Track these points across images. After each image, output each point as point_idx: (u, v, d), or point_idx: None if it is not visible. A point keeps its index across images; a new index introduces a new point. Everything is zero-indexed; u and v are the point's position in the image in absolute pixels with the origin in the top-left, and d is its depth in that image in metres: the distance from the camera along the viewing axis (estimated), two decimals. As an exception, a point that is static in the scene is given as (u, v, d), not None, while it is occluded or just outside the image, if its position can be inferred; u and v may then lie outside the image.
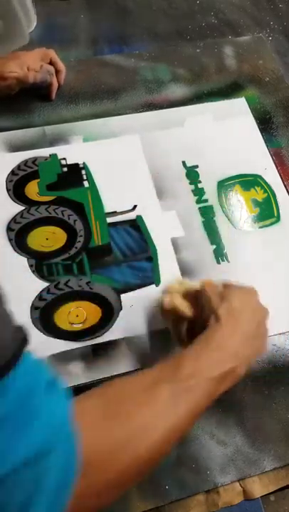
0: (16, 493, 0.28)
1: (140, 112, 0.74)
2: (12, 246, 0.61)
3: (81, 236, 0.63)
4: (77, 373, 0.54)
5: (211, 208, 0.67)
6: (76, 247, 0.62)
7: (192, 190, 0.68)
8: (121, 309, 0.59)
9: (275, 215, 0.68)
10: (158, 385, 0.38)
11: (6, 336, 0.30)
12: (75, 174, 0.67)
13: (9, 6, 0.28)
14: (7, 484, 0.27)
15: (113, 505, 0.49)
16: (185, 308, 0.50)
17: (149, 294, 0.60)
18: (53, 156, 0.68)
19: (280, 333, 0.60)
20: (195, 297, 0.50)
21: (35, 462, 0.28)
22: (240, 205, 0.68)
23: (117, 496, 0.34)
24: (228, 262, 0.63)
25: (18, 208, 0.63)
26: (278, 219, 0.68)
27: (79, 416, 0.32)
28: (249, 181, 0.70)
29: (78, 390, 0.53)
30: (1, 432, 0.28)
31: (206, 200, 0.68)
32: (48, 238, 0.62)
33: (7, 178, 0.65)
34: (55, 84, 0.72)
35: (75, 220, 0.63)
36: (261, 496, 0.53)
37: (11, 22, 0.31)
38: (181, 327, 0.51)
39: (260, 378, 0.57)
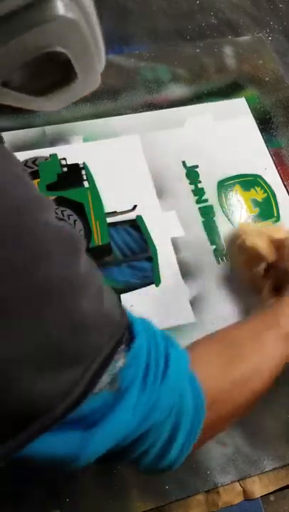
0: (163, 432, 0.33)
1: (140, 112, 0.74)
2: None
3: (81, 236, 0.63)
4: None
5: (211, 207, 0.67)
6: (76, 247, 0.62)
7: (192, 190, 0.68)
8: (121, 309, 0.59)
9: (275, 215, 0.68)
10: (264, 331, 0.43)
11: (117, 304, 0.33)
12: (75, 174, 0.67)
13: (85, 43, 0.28)
14: (155, 429, 0.33)
15: (113, 505, 0.49)
16: (268, 251, 0.51)
17: (149, 293, 0.60)
18: (53, 156, 0.68)
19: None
20: (278, 244, 0.52)
21: (178, 405, 0.33)
22: (240, 205, 0.68)
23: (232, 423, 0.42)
24: (228, 261, 0.63)
25: (18, 207, 0.63)
26: (278, 219, 0.68)
27: (198, 362, 0.37)
28: (249, 181, 0.70)
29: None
30: (145, 388, 0.31)
31: (206, 200, 0.68)
32: (48, 238, 0.62)
33: (7, 178, 0.65)
34: None
35: (75, 220, 0.63)
36: (261, 496, 0.53)
37: (86, 63, 0.31)
38: (258, 269, 0.53)
39: (260, 378, 0.56)
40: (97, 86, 0.32)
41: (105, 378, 0.30)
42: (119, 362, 0.30)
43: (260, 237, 0.53)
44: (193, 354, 0.37)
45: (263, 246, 0.52)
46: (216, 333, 0.43)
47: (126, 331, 0.32)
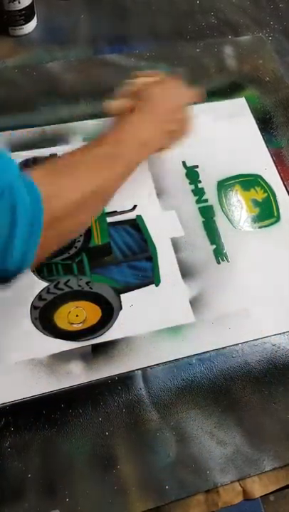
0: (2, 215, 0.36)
1: (140, 111, 0.74)
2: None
3: (81, 236, 0.63)
4: (77, 373, 0.54)
5: (211, 207, 0.67)
6: (76, 247, 0.62)
7: (192, 190, 0.68)
8: (121, 309, 0.59)
9: (275, 215, 0.68)
10: (82, 155, 0.48)
11: None
12: (75, 174, 0.67)
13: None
14: None
15: (113, 505, 0.49)
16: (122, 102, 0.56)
17: (148, 293, 0.60)
18: (53, 155, 0.68)
19: (280, 333, 0.60)
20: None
21: (9, 188, 0.36)
22: (240, 205, 0.68)
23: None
24: (228, 261, 0.63)
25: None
26: (278, 219, 0.68)
27: (41, 179, 0.40)
28: (249, 181, 0.70)
29: (78, 390, 0.54)
30: None
31: (206, 200, 0.68)
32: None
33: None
34: None
35: (75, 220, 0.63)
36: (261, 496, 0.53)
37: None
38: None
39: (260, 378, 0.57)
40: None
41: None
42: None
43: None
44: (34, 172, 0.41)
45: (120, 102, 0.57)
46: (56, 159, 0.49)
47: None
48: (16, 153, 0.67)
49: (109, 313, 0.58)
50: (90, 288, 0.59)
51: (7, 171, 0.38)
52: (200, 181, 0.69)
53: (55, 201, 0.41)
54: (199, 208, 0.67)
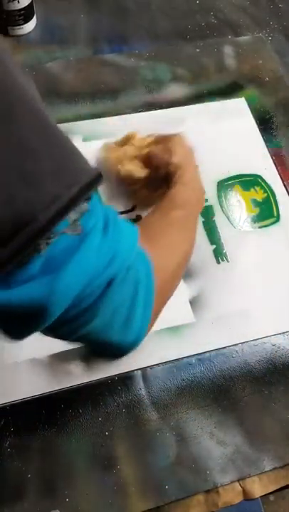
0: (125, 291, 0.35)
1: (140, 111, 0.74)
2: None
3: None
4: (77, 373, 0.54)
5: (210, 207, 0.67)
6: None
7: (192, 190, 0.68)
8: (121, 309, 0.58)
9: (275, 215, 0.68)
10: (171, 212, 0.49)
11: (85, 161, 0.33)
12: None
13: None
14: (121, 282, 0.34)
15: (113, 505, 0.49)
16: (140, 171, 0.54)
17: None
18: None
19: (280, 333, 0.60)
20: (146, 159, 0.54)
21: (134, 266, 0.36)
22: (239, 205, 0.68)
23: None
24: (228, 261, 0.63)
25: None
26: (278, 219, 0.68)
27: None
28: (249, 181, 0.70)
29: (78, 390, 0.54)
30: (106, 235, 0.33)
31: (206, 200, 0.68)
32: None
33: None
34: None
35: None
36: (261, 496, 0.53)
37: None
38: (137, 186, 0.55)
39: (260, 378, 0.57)
40: None
41: (76, 211, 0.31)
42: (83, 206, 0.31)
43: (131, 161, 0.55)
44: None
45: (137, 169, 0.54)
46: (144, 226, 0.47)
47: (93, 181, 0.32)
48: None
49: (109, 313, 0.58)
50: (90, 288, 0.59)
51: (135, 241, 0.37)
52: (200, 181, 0.69)
53: (160, 273, 0.40)
54: (199, 208, 0.67)
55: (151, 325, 0.40)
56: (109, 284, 0.33)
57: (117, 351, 0.41)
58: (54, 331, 0.35)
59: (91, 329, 0.35)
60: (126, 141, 0.58)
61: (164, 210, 0.49)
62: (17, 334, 0.34)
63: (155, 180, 0.53)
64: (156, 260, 0.39)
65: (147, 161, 0.54)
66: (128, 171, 0.54)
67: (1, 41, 0.31)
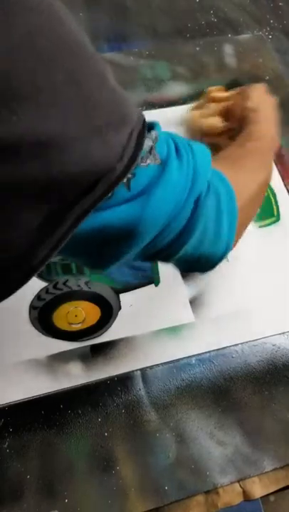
0: (210, 203, 0.37)
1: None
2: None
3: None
4: (76, 373, 0.54)
5: (210, 207, 0.67)
6: (75, 247, 0.61)
7: (192, 190, 0.68)
8: (120, 309, 0.58)
9: (275, 214, 0.68)
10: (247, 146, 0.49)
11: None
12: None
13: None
14: (205, 198, 0.36)
15: (112, 506, 0.49)
16: (220, 122, 0.57)
17: (148, 293, 0.60)
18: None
19: (280, 333, 0.59)
20: (226, 111, 0.58)
21: (213, 183, 0.38)
22: (240, 204, 0.68)
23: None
24: (228, 261, 0.63)
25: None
26: (278, 218, 0.67)
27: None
28: (249, 180, 0.70)
29: (78, 390, 0.54)
30: (182, 159, 0.35)
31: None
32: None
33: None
34: None
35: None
36: (261, 497, 0.53)
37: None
38: (219, 140, 0.58)
39: (261, 378, 0.56)
40: None
41: (147, 144, 0.33)
42: (153, 134, 0.34)
43: (212, 115, 0.59)
44: (215, 165, 0.41)
45: (218, 122, 0.58)
46: (221, 154, 0.48)
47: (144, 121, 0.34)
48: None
49: (108, 314, 0.58)
50: (89, 288, 0.59)
51: (208, 156, 0.38)
52: (200, 180, 0.69)
53: (238, 194, 0.41)
54: (199, 208, 0.67)
55: (237, 240, 0.42)
56: (197, 201, 0.36)
57: (208, 264, 0.42)
58: (155, 256, 0.38)
59: (187, 249, 0.37)
60: (206, 100, 0.63)
61: (239, 142, 0.50)
62: (104, 262, 0.36)
63: (236, 132, 0.55)
64: (234, 182, 0.41)
65: (227, 113, 0.57)
66: (210, 124, 0.58)
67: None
